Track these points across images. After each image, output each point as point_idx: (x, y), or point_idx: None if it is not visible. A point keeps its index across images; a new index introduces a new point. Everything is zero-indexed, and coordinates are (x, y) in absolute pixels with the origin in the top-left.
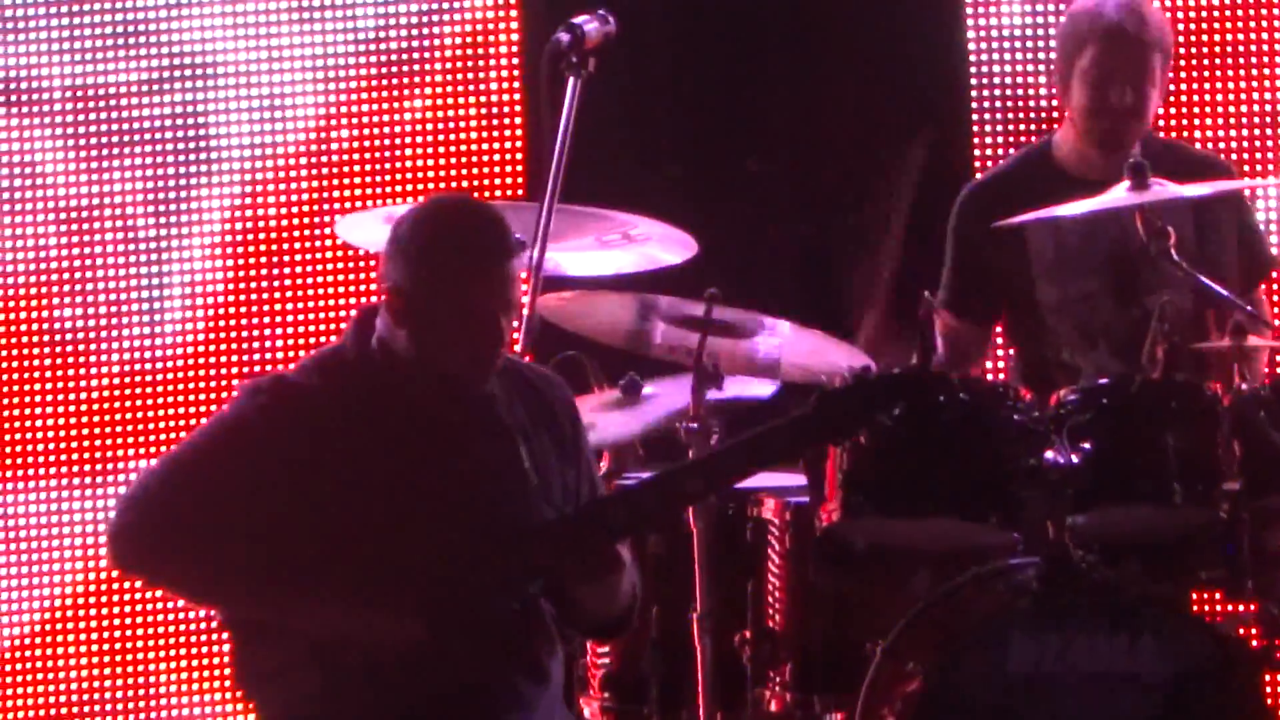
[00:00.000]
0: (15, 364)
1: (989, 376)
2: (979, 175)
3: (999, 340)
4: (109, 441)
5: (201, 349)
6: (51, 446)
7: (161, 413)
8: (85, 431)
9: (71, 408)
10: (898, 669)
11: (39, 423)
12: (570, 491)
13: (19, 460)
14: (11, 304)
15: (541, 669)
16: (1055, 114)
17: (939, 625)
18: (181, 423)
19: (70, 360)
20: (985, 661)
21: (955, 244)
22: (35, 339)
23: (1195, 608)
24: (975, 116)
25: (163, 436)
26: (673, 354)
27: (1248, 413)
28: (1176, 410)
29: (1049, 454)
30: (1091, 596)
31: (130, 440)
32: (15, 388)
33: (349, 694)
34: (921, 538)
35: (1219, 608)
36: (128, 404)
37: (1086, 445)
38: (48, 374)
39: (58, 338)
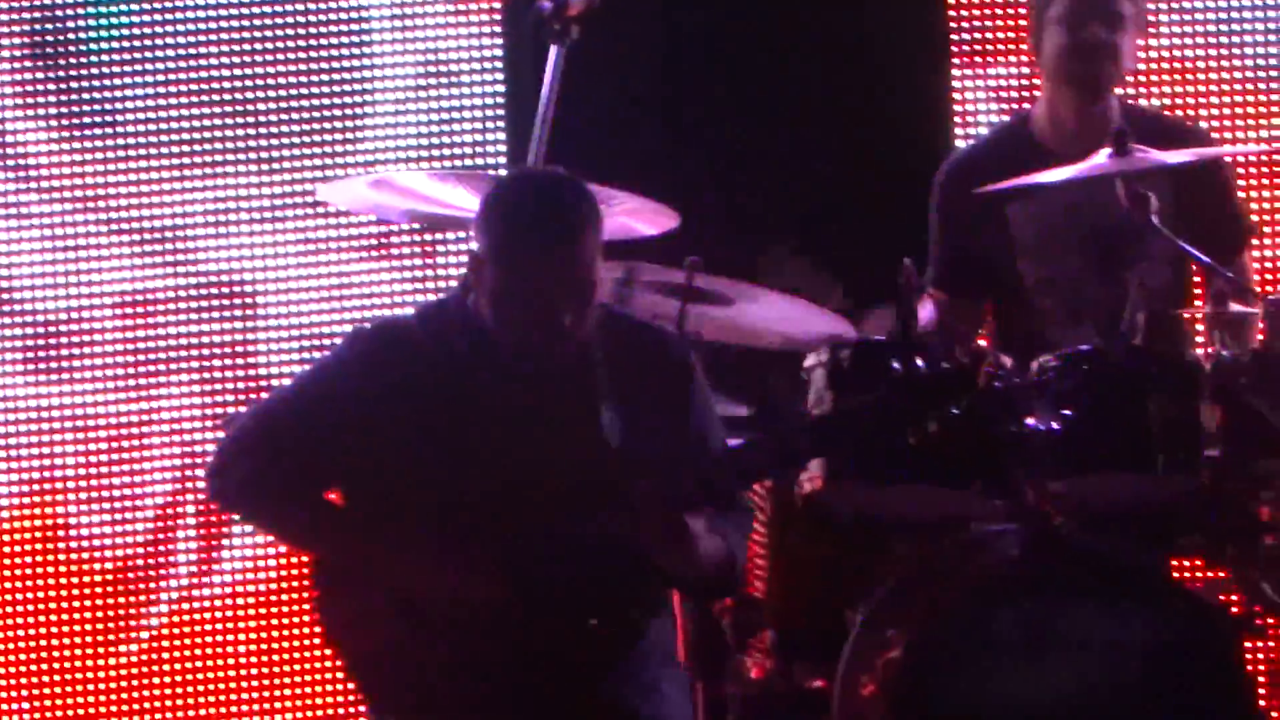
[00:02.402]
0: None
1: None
2: (957, 148)
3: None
4: None
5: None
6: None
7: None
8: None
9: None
10: (878, 637)
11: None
12: (672, 452)
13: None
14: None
15: (631, 628)
16: (1033, 91)
17: (920, 593)
18: None
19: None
20: (966, 629)
21: (939, 222)
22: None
23: (1176, 575)
24: (955, 89)
25: None
26: (654, 322)
27: (1229, 380)
28: (1157, 377)
29: (1030, 421)
30: (1073, 564)
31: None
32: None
33: (429, 645)
34: (902, 505)
35: (1199, 574)
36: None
37: (1068, 412)
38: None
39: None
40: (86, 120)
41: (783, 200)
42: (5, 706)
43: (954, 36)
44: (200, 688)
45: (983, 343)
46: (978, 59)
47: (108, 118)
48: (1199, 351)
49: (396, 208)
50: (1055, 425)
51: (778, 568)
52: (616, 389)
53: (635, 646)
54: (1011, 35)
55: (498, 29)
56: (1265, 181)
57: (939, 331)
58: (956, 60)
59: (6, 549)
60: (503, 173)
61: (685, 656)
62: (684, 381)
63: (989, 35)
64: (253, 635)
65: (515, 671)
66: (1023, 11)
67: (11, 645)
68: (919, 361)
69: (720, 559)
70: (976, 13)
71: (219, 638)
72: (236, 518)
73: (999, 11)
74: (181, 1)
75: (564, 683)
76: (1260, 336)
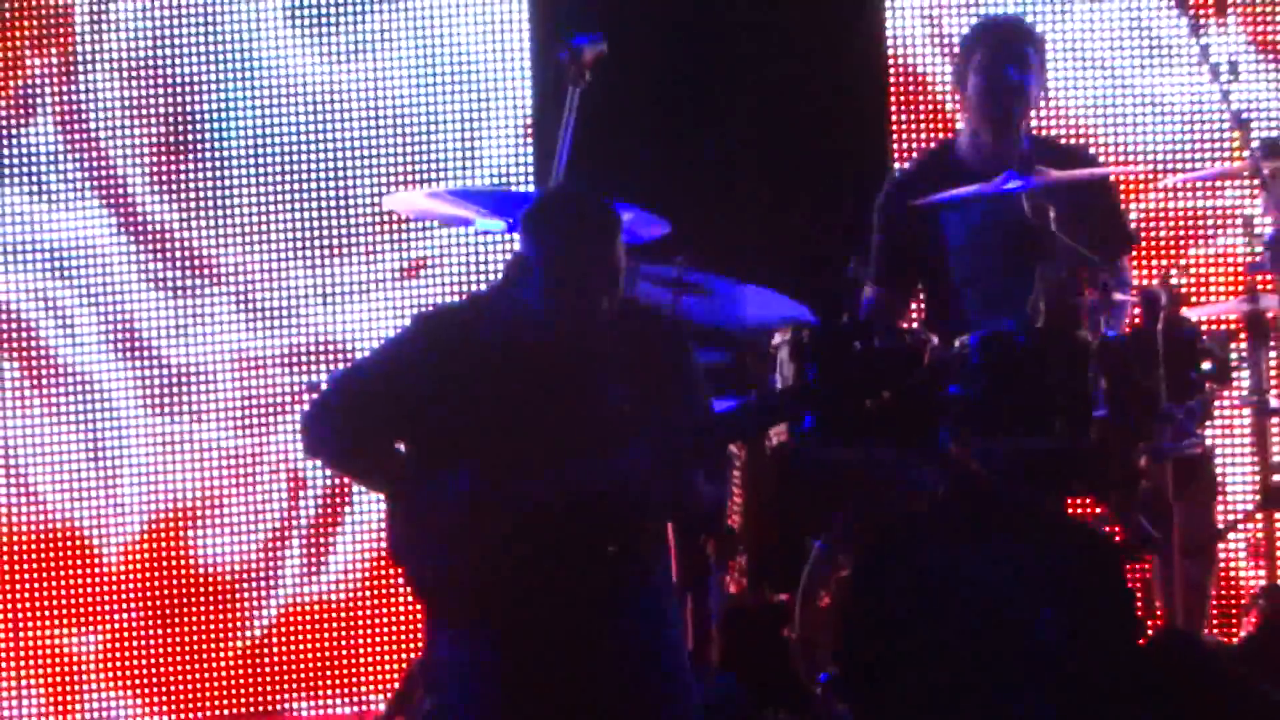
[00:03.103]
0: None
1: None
2: (896, 170)
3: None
4: None
5: None
6: None
7: None
8: None
9: None
10: (832, 560)
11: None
12: (672, 413)
13: None
14: None
15: (640, 560)
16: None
17: (866, 526)
18: None
19: None
20: (902, 556)
21: (880, 227)
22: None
23: (1070, 512)
24: (892, 112)
25: None
26: (655, 307)
27: (1112, 355)
28: (1055, 354)
29: (954, 389)
30: (988, 505)
31: None
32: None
33: (479, 566)
34: (855, 456)
35: (1090, 512)
36: None
37: (984, 382)
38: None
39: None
40: (210, 201)
41: (753, 210)
42: (146, 691)
43: (891, 74)
44: (301, 671)
45: (914, 326)
46: (913, 91)
47: (229, 201)
48: (1088, 332)
49: (449, 214)
50: (974, 393)
51: (751, 505)
52: (629, 361)
53: (645, 577)
54: (942, 71)
55: (528, 70)
56: (1146, 196)
57: (876, 318)
58: (892, 94)
59: (144, 558)
60: (532, 189)
61: (677, 576)
62: (680, 356)
63: (922, 73)
64: (342, 630)
65: (544, 591)
66: (949, 51)
67: (146, 640)
68: (875, 342)
69: (712, 500)
70: (911, 51)
71: (319, 631)
72: (319, 463)
73: (930, 53)
74: (289, 104)
75: (585, 602)
76: (1136, 320)
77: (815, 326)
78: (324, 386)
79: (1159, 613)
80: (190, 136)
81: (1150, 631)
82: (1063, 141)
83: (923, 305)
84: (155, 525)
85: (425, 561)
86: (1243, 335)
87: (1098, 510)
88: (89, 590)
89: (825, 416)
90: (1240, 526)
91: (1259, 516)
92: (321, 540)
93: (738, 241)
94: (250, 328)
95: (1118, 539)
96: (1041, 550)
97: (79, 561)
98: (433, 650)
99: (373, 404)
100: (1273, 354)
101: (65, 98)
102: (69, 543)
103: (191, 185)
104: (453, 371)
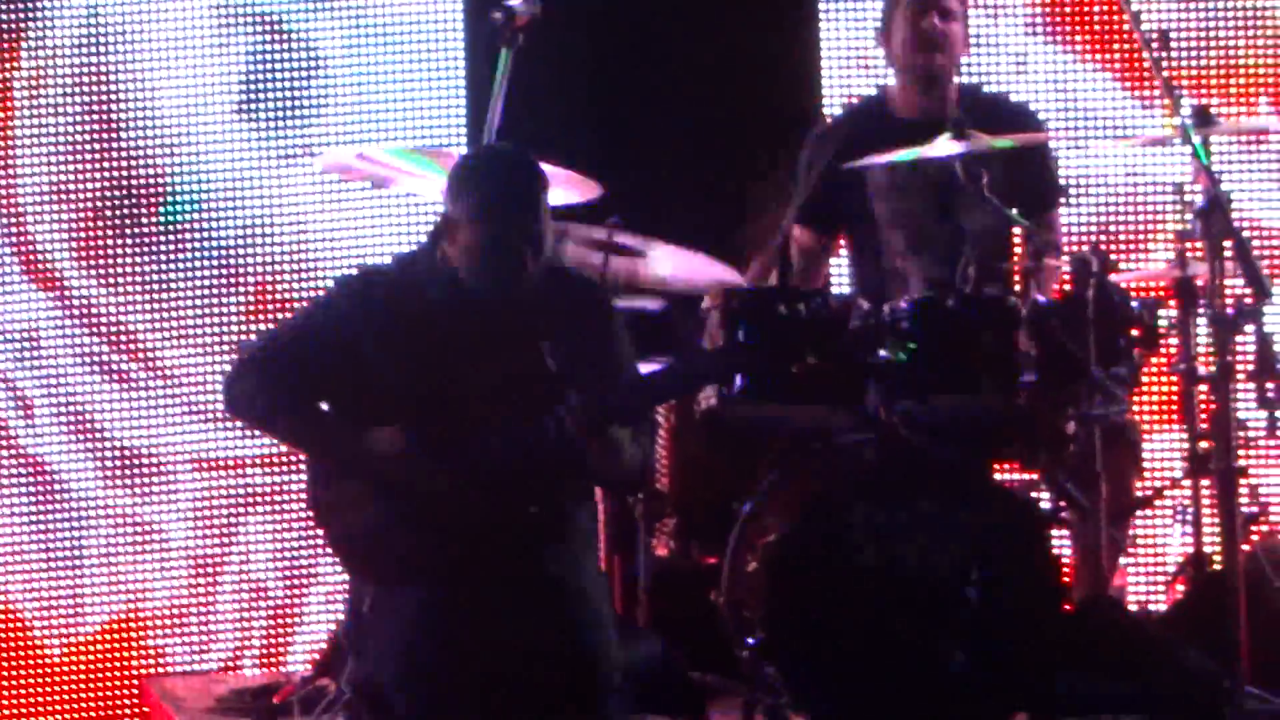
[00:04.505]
0: None
1: (833, 289)
2: (827, 118)
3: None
4: None
5: None
6: None
7: None
8: None
9: None
10: (760, 524)
11: None
12: (598, 375)
13: None
14: None
15: (563, 514)
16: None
17: (794, 489)
18: None
19: None
20: (830, 518)
21: (807, 167)
22: None
23: (998, 477)
24: (824, 72)
25: None
26: (582, 269)
27: (1042, 320)
28: (984, 318)
29: (883, 353)
30: (916, 467)
31: None
32: None
33: (398, 525)
34: (783, 419)
35: (1017, 477)
36: None
37: (913, 346)
38: None
39: None
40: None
41: (685, 173)
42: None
43: (823, 32)
44: None
45: (846, 290)
46: (844, 49)
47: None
48: (1017, 297)
49: (380, 175)
50: (903, 356)
51: (679, 468)
52: (554, 323)
53: (566, 531)
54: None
55: (460, 31)
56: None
57: (803, 268)
58: (824, 54)
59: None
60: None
61: (605, 538)
62: (606, 319)
63: (853, 30)
64: None
65: (469, 547)
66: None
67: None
68: (801, 307)
69: (637, 462)
70: (842, 7)
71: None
72: (242, 423)
73: (860, 9)
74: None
75: (508, 557)
76: (1066, 285)
77: (744, 290)
78: (248, 348)
79: (1085, 578)
80: (126, 215)
81: (1076, 597)
82: (991, 91)
83: (847, 249)
84: (110, 626)
85: (350, 522)
86: (1172, 302)
87: (1025, 475)
88: (31, 690)
89: (753, 379)
90: (1166, 494)
91: (1186, 483)
92: (280, 645)
93: (669, 204)
94: (200, 423)
95: (1045, 504)
96: (969, 514)
97: (23, 659)
98: (358, 612)
99: (295, 365)
100: (1201, 321)
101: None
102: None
103: (125, 265)
104: (376, 332)
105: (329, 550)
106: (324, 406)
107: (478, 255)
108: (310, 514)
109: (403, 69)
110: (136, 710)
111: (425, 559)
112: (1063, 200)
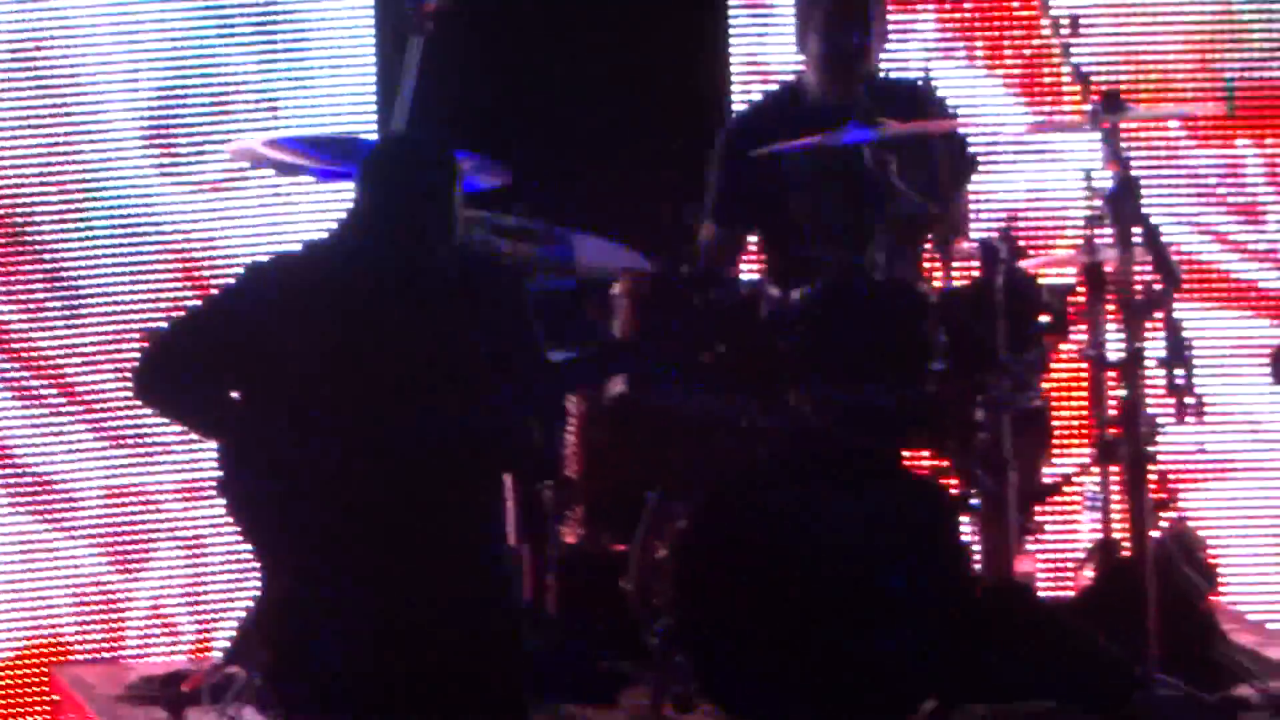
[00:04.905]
0: None
1: (744, 277)
2: (738, 110)
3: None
4: None
5: None
6: None
7: None
8: None
9: None
10: (669, 511)
11: None
12: (506, 359)
13: None
14: None
15: (475, 501)
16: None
17: (703, 477)
18: None
19: None
20: (739, 505)
21: (721, 162)
22: None
23: (906, 463)
24: (733, 59)
25: None
26: (493, 255)
27: (952, 307)
28: (893, 304)
29: (793, 339)
30: (825, 454)
31: None
32: None
33: (310, 514)
34: (692, 406)
35: (927, 463)
36: None
37: (823, 332)
38: None
39: None
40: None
41: (594, 159)
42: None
43: (732, 20)
44: None
45: (756, 276)
46: (755, 37)
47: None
48: (926, 283)
49: (288, 162)
50: (813, 343)
51: (588, 456)
52: (465, 308)
53: (474, 515)
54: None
55: (371, 18)
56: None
57: (714, 261)
58: (734, 40)
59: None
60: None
61: (515, 525)
62: (517, 304)
63: (763, 17)
64: None
65: (380, 532)
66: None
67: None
68: (711, 294)
69: (548, 450)
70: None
71: None
72: (151, 411)
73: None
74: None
75: (416, 541)
76: (977, 272)
77: (654, 277)
78: (155, 335)
79: (993, 564)
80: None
81: (984, 583)
82: (901, 76)
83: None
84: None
85: (260, 507)
86: (1081, 288)
87: (935, 461)
88: None
89: (662, 367)
90: (1075, 480)
91: (1094, 470)
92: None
93: (578, 190)
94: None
95: (954, 490)
96: (877, 501)
97: None
98: (269, 596)
99: (203, 351)
100: (1110, 307)
101: None
102: None
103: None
104: (284, 318)
105: (243, 537)
106: (233, 394)
107: (388, 241)
108: (221, 501)
109: (312, 56)
110: (46, 698)
111: (333, 548)
112: (973, 172)
